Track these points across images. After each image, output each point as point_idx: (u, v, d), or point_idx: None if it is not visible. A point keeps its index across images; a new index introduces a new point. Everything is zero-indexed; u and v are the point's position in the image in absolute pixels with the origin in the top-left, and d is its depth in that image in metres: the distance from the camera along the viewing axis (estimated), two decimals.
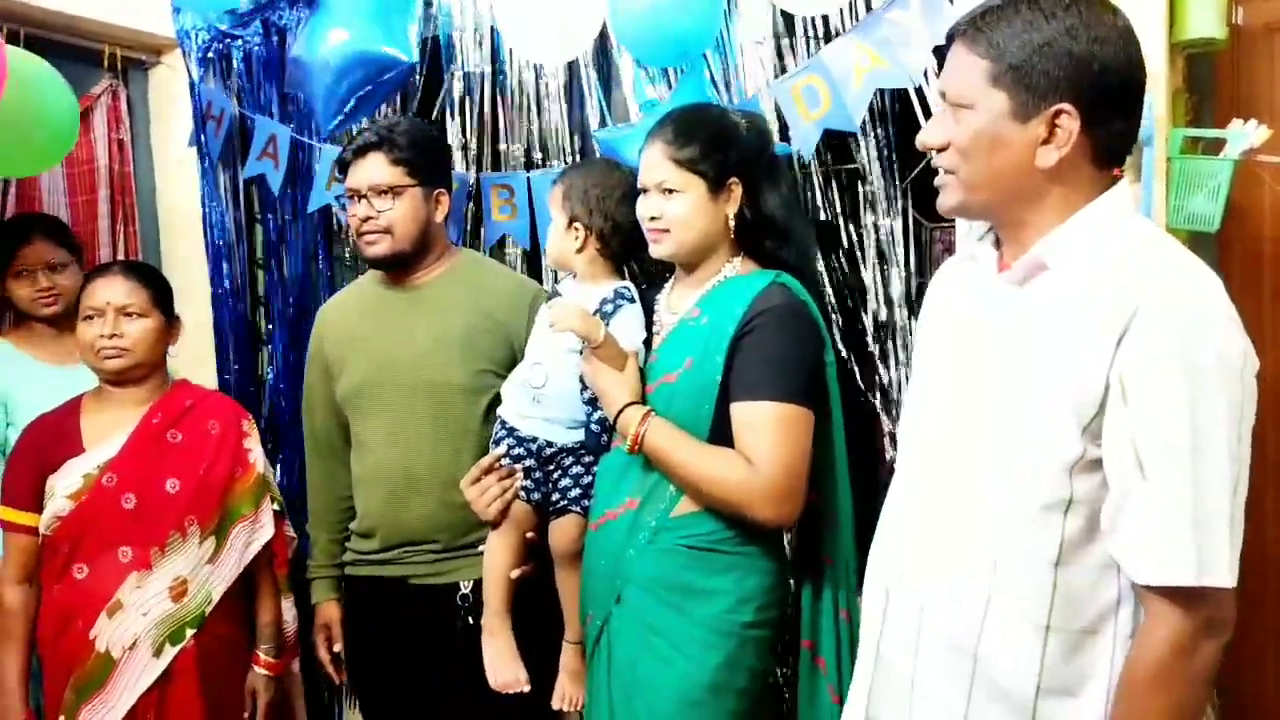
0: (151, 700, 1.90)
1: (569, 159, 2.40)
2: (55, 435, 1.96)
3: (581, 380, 1.69)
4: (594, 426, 1.72)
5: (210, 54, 2.67)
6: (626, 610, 1.60)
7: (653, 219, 1.61)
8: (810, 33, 2.13)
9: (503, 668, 1.78)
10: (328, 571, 2.11)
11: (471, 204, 2.47)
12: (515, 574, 1.79)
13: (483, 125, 2.47)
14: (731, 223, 1.62)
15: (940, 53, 1.32)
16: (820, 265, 2.10)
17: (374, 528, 1.99)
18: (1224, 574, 1.08)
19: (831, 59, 2.01)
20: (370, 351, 1.99)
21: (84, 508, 1.90)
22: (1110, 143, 1.18)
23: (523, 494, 1.77)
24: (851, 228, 2.18)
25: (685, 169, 1.59)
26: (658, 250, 1.64)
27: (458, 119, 2.48)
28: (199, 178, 2.73)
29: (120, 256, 2.70)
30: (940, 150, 1.23)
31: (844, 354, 2.14)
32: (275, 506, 2.10)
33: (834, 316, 2.17)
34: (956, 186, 1.22)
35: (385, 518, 1.97)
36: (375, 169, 1.93)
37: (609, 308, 1.68)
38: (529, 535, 1.81)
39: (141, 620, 1.89)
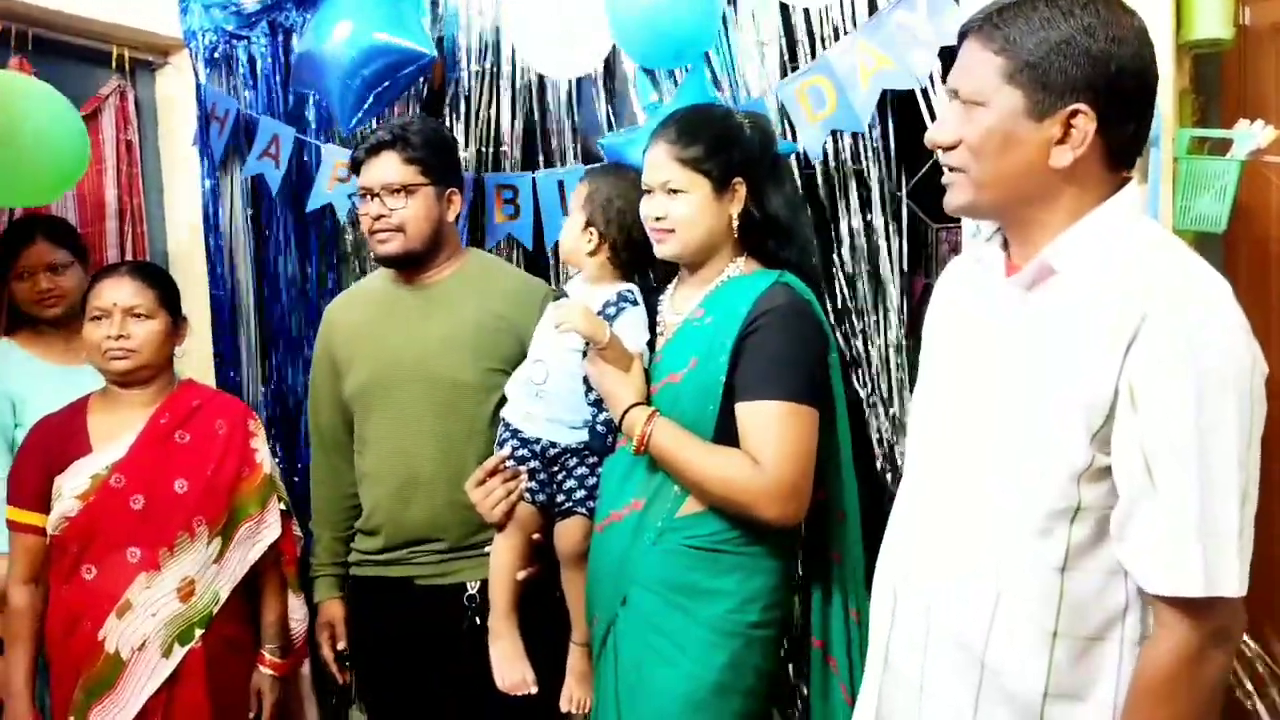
0: (159, 701, 1.90)
1: (571, 161, 2.40)
2: (62, 436, 1.97)
3: (586, 381, 1.69)
4: (600, 427, 1.72)
5: (217, 55, 2.68)
6: (632, 611, 1.60)
7: (658, 219, 1.61)
8: (818, 31, 2.12)
9: (510, 669, 1.78)
10: (331, 570, 2.12)
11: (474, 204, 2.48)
12: (521, 575, 1.80)
13: (486, 125, 2.48)
14: (735, 223, 1.62)
15: (947, 54, 1.32)
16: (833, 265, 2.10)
17: (380, 525, 2.00)
18: (1233, 584, 1.07)
19: (837, 60, 2.01)
20: (379, 349, 2.00)
21: (92, 508, 1.91)
22: (1122, 144, 1.16)
23: (527, 496, 1.78)
24: (853, 227, 2.18)
25: (690, 169, 1.59)
26: (662, 250, 1.64)
27: (461, 119, 2.49)
28: (204, 178, 2.74)
29: (128, 257, 2.71)
30: (949, 148, 1.21)
31: (847, 354, 2.14)
32: (282, 506, 2.11)
33: (839, 314, 2.17)
34: (966, 185, 1.20)
35: (391, 516, 1.98)
36: (388, 168, 1.94)
37: (612, 309, 1.69)
38: (535, 537, 1.81)
39: (151, 621, 1.90)
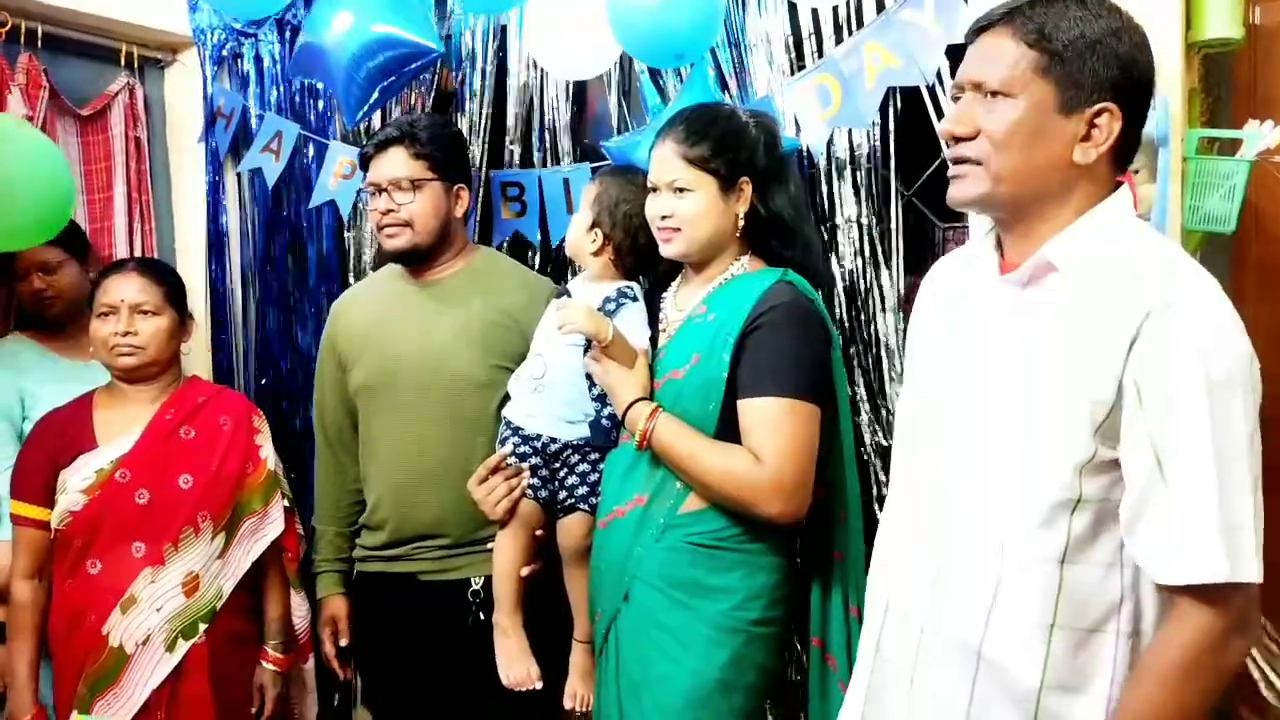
0: (163, 695, 1.91)
1: (574, 160, 2.40)
2: (67, 430, 1.98)
3: (589, 377, 1.69)
4: (604, 421, 1.72)
5: (225, 52, 2.69)
6: (634, 608, 1.60)
7: (664, 218, 1.61)
8: (826, 29, 2.12)
9: (515, 665, 1.78)
10: (334, 566, 2.12)
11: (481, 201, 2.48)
12: (525, 572, 1.80)
13: (492, 122, 2.48)
14: (741, 221, 1.62)
15: (953, 52, 1.32)
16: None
17: (384, 520, 2.00)
18: (1254, 569, 1.08)
19: (843, 58, 2.00)
20: (386, 345, 2.00)
21: (97, 503, 1.91)
22: (1129, 146, 1.20)
23: (530, 492, 1.78)
24: (862, 224, 2.17)
25: (697, 167, 1.59)
26: (668, 250, 1.64)
27: (467, 116, 2.49)
28: (206, 175, 2.75)
29: (136, 254, 2.72)
30: (966, 140, 1.21)
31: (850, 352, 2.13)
32: (285, 502, 2.11)
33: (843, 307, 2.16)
34: (981, 177, 1.20)
35: (395, 511, 1.98)
36: (396, 163, 1.94)
37: (611, 306, 1.69)
38: (537, 533, 1.81)
39: (155, 615, 1.90)
